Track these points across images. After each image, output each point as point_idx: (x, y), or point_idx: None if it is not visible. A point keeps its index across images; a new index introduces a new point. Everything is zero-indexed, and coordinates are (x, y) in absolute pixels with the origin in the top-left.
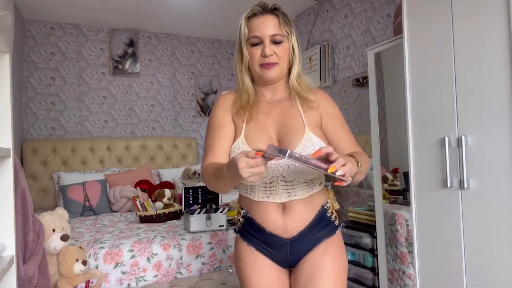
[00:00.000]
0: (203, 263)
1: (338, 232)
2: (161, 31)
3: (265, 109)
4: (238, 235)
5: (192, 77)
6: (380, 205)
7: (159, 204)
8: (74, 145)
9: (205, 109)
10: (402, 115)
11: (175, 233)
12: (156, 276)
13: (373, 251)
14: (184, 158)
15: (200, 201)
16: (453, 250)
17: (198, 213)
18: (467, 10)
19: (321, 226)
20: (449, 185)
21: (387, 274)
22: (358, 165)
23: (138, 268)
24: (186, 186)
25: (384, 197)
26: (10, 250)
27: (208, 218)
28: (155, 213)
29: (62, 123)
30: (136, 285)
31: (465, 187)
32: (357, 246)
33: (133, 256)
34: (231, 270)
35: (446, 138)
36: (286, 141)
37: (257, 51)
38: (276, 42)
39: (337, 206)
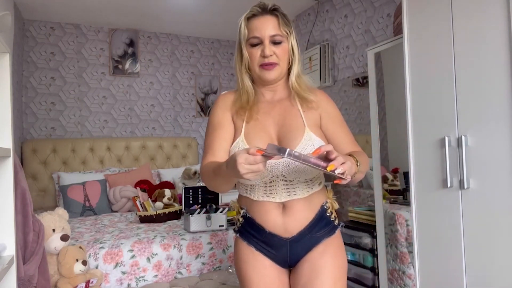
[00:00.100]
0: (203, 263)
1: (338, 232)
2: (161, 31)
3: (265, 109)
4: (238, 235)
5: (192, 77)
6: (380, 205)
7: (159, 204)
8: (74, 145)
9: (205, 109)
10: (402, 115)
11: (175, 233)
12: (156, 276)
13: (373, 251)
14: (184, 158)
15: (200, 201)
16: (453, 250)
17: (198, 213)
18: (467, 10)
19: (320, 226)
20: (449, 185)
21: (387, 274)
22: (357, 165)
23: (138, 268)
24: (186, 186)
25: (384, 197)
26: (10, 250)
27: (208, 218)
28: (155, 213)
29: (62, 123)
30: (136, 285)
31: (465, 187)
32: (357, 246)
33: (133, 256)
34: (231, 270)
35: (446, 138)
36: (286, 141)
37: (257, 51)
38: (275, 43)
39: (336, 205)
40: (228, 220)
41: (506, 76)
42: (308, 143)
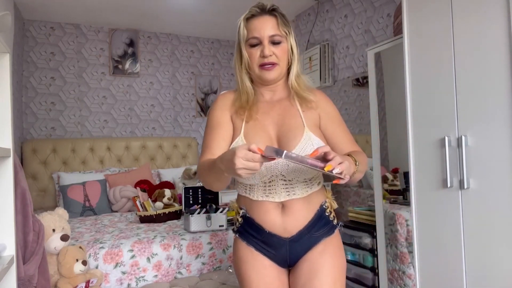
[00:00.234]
0: (203, 263)
1: (337, 232)
2: (161, 31)
3: (264, 109)
4: (237, 235)
5: (192, 77)
6: (380, 205)
7: (159, 204)
8: (74, 145)
9: (205, 109)
10: (402, 115)
11: (175, 233)
12: (156, 276)
13: (373, 251)
14: (184, 158)
15: (200, 201)
16: (453, 250)
17: (198, 213)
18: (467, 10)
19: (320, 225)
20: (449, 185)
21: (387, 274)
22: (356, 164)
23: (138, 268)
24: (186, 186)
25: (384, 197)
26: (10, 250)
27: (208, 218)
28: (155, 213)
29: (62, 123)
30: (136, 285)
31: (465, 187)
32: (357, 246)
33: (133, 256)
34: (231, 270)
35: (446, 138)
36: (285, 141)
37: (256, 51)
38: (275, 43)
39: (335, 205)
40: (228, 220)
41: (506, 76)
42: (308, 143)
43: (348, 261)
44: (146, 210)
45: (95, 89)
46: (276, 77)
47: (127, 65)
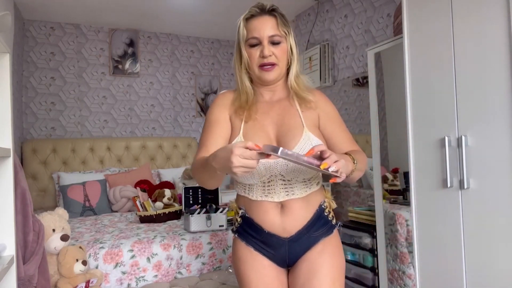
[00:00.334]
0: (203, 263)
1: (336, 231)
2: (161, 31)
3: (263, 109)
4: (236, 235)
5: (192, 77)
6: (380, 205)
7: (159, 204)
8: (74, 145)
9: (205, 109)
10: (402, 115)
11: (175, 233)
12: (156, 276)
13: (373, 251)
14: (184, 158)
15: (200, 201)
16: (453, 250)
17: (198, 213)
18: (467, 10)
19: (319, 225)
20: (449, 185)
21: (387, 274)
22: (354, 162)
23: (138, 268)
24: (186, 186)
25: (384, 197)
26: (10, 250)
27: (208, 218)
28: (155, 213)
29: (62, 123)
30: (136, 285)
31: (465, 187)
32: (357, 246)
33: (133, 256)
34: (231, 270)
35: (446, 138)
36: (285, 141)
37: (256, 52)
38: (274, 43)
39: (334, 205)
40: (228, 220)
41: (506, 76)
42: (307, 143)
43: (348, 261)
44: (146, 210)
45: (95, 89)
46: (276, 78)
47: (127, 65)
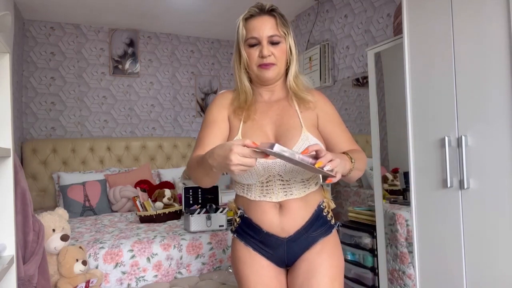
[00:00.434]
0: (203, 263)
1: (334, 231)
2: (161, 31)
3: (262, 109)
4: (235, 235)
5: (192, 77)
6: (380, 205)
7: (159, 204)
8: (74, 145)
9: (205, 109)
10: (402, 115)
11: (175, 233)
12: (156, 276)
13: (373, 251)
14: (184, 158)
15: (200, 201)
16: (453, 250)
17: (198, 213)
18: (467, 10)
19: (317, 225)
20: (449, 185)
21: (387, 274)
22: (351, 161)
23: (138, 268)
24: (186, 186)
25: (384, 197)
26: (10, 250)
27: (208, 218)
28: (155, 213)
29: (62, 123)
30: (136, 285)
31: (465, 187)
32: (357, 246)
33: (133, 256)
34: (231, 270)
35: (446, 138)
36: (283, 141)
37: (255, 52)
38: (273, 43)
39: (333, 205)
40: (228, 220)
41: (506, 76)
42: (305, 143)
43: (348, 261)
44: (146, 210)
45: (95, 89)
46: (274, 77)
47: (127, 65)
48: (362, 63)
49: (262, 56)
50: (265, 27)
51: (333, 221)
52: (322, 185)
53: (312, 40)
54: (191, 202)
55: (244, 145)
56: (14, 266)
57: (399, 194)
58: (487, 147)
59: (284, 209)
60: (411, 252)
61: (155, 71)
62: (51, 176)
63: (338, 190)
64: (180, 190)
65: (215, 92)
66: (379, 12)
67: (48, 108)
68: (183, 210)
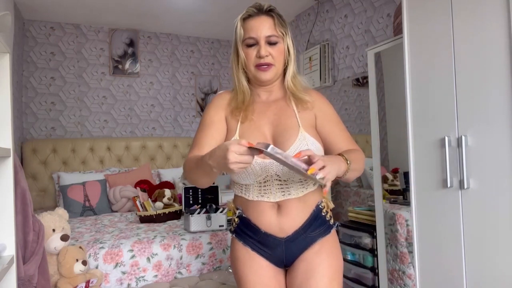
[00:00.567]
0: (203, 263)
1: (333, 232)
2: (161, 31)
3: (260, 109)
4: (234, 235)
5: (192, 77)
6: (380, 205)
7: (159, 204)
8: (74, 145)
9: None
10: (402, 115)
11: (175, 233)
12: (156, 276)
13: (373, 251)
14: (184, 158)
15: (200, 201)
16: (453, 250)
17: (198, 213)
18: (467, 10)
19: (316, 225)
20: (449, 185)
21: (387, 274)
22: (347, 163)
23: (138, 268)
24: (186, 186)
25: (384, 197)
26: (10, 250)
27: (208, 218)
28: (155, 213)
29: (62, 123)
30: (136, 285)
31: (465, 187)
32: (357, 246)
33: (133, 256)
34: (231, 270)
35: (446, 138)
36: (281, 141)
37: (253, 52)
38: (271, 43)
39: (331, 205)
40: (228, 220)
41: (506, 76)
42: (302, 143)
43: (348, 261)
44: (146, 210)
45: (95, 89)
46: (272, 78)
47: (127, 65)
48: (362, 63)
49: (259, 56)
50: (263, 27)
51: (332, 221)
52: (321, 186)
53: (312, 40)
54: (191, 202)
55: (240, 145)
56: (14, 266)
57: (399, 194)
58: (487, 147)
59: (282, 209)
60: (411, 252)
61: (155, 71)
62: (51, 176)
63: (338, 190)
64: (180, 190)
65: (215, 92)
66: (379, 12)
67: (48, 108)
68: (183, 210)
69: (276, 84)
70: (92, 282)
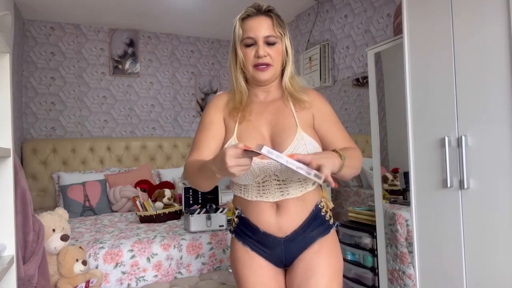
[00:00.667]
0: (203, 263)
1: (333, 231)
2: (161, 31)
3: (258, 109)
4: (234, 235)
5: (192, 77)
6: (380, 205)
7: (159, 204)
8: (74, 145)
9: None
10: (402, 115)
11: (175, 233)
12: (156, 276)
13: (373, 251)
14: (184, 158)
15: (200, 201)
16: (453, 250)
17: (198, 213)
18: (467, 9)
19: (315, 225)
20: (449, 185)
21: (387, 274)
22: (341, 158)
23: (138, 268)
24: (186, 186)
25: (384, 197)
26: (10, 250)
27: (208, 218)
28: (155, 213)
29: (62, 123)
30: (136, 285)
31: (465, 187)
32: (357, 246)
33: (133, 256)
34: (231, 270)
35: (446, 138)
36: (279, 141)
37: (251, 52)
38: (269, 43)
39: (331, 205)
40: (228, 220)
41: (506, 76)
42: (300, 142)
43: (348, 261)
44: (146, 210)
45: (95, 89)
46: (270, 78)
47: (127, 65)
48: (362, 63)
49: (258, 56)
50: (262, 27)
51: (331, 221)
52: (320, 185)
53: (312, 40)
54: (191, 202)
55: (238, 148)
56: (14, 266)
57: (399, 194)
58: (487, 147)
59: (281, 209)
60: (411, 252)
61: (155, 71)
62: (51, 176)
63: (338, 190)
64: (180, 190)
65: (215, 92)
66: (379, 12)
67: (48, 108)
68: (183, 210)
69: (274, 84)
70: (92, 282)
